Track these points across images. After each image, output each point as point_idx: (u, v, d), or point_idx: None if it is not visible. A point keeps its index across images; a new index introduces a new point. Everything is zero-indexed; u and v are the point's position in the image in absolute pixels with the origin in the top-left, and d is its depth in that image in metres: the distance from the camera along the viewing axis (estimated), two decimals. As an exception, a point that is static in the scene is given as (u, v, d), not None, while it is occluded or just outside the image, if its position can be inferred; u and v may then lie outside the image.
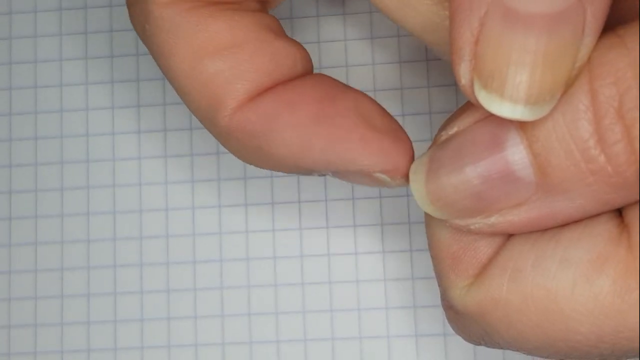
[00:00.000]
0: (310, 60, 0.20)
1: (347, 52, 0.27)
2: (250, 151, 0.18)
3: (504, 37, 0.14)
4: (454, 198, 0.16)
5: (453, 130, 0.16)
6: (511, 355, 0.25)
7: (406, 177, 0.18)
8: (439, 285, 0.18)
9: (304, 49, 0.19)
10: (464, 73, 0.15)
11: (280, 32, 0.19)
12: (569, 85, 0.14)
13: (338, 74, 0.27)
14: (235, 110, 0.18)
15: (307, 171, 0.19)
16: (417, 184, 0.17)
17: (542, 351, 0.16)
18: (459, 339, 0.25)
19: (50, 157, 0.27)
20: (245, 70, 0.18)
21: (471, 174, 0.15)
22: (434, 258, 0.18)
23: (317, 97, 0.18)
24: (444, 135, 0.16)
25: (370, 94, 0.26)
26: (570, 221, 0.16)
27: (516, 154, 0.15)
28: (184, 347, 0.26)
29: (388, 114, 0.19)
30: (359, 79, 0.27)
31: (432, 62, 0.26)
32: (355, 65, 0.27)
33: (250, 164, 0.19)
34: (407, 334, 0.26)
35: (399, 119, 0.26)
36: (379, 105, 0.19)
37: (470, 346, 0.25)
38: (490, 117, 0.16)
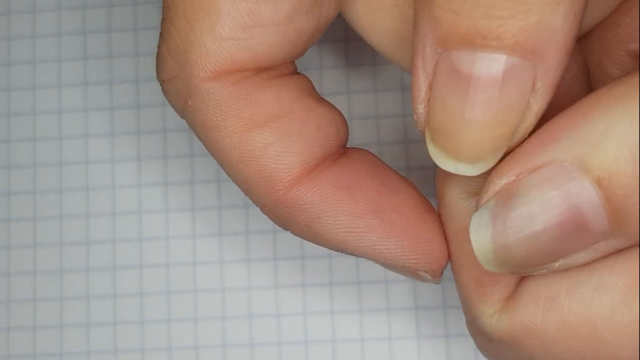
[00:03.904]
0: (346, 122, 0.19)
1: (348, 52, 0.27)
2: (298, 225, 0.18)
3: (449, 95, 0.14)
4: (525, 257, 0.15)
5: (511, 178, 0.15)
6: (513, 356, 0.25)
7: (440, 275, 0.18)
8: (465, 313, 0.18)
9: (339, 111, 0.19)
10: (419, 119, 0.15)
11: (317, 95, 0.19)
12: (513, 143, 0.15)
13: (339, 75, 0.27)
14: (290, 185, 0.17)
15: (348, 254, 0.18)
16: (480, 244, 0.15)
17: None
18: (461, 340, 0.25)
19: (49, 158, 0.27)
20: (296, 142, 0.17)
21: (544, 235, 0.15)
22: (457, 283, 0.18)
23: (375, 185, 0.18)
24: (498, 185, 0.15)
25: (371, 95, 0.26)
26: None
27: (591, 202, 0.14)
28: (184, 349, 0.26)
29: (433, 208, 0.19)
30: (360, 80, 0.27)
31: (433, 62, 0.26)
32: (356, 66, 0.27)
33: (293, 233, 0.19)
34: (409, 335, 0.26)
35: (400, 121, 0.26)
36: (426, 199, 0.19)
37: (472, 348, 0.25)
38: (551, 163, 0.14)
